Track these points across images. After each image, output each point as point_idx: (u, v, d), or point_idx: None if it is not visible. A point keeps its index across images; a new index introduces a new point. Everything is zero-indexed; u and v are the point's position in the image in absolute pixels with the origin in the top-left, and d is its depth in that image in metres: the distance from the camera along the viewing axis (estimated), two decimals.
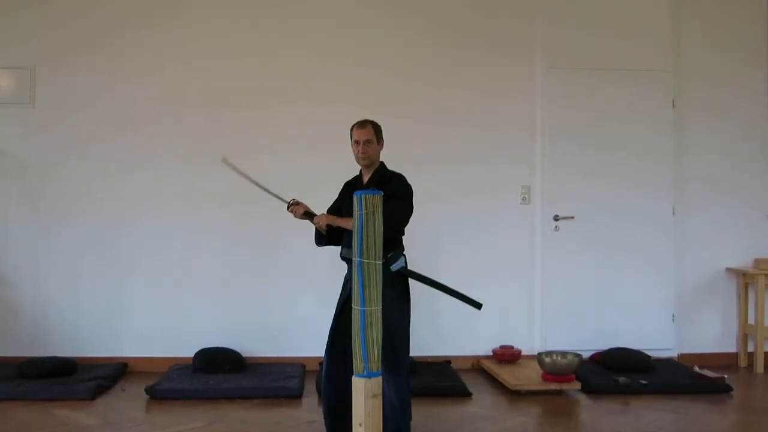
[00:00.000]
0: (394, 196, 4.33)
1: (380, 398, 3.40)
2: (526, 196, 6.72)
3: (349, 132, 4.55)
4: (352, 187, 4.61)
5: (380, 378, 3.39)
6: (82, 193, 6.48)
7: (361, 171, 4.62)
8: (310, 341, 6.48)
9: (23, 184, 6.50)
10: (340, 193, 4.79)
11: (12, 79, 6.48)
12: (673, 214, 6.79)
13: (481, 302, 4.37)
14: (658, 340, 6.72)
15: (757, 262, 6.82)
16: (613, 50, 6.77)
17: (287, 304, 6.58)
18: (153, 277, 6.50)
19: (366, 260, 3.25)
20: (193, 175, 6.52)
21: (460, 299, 4.34)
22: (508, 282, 6.70)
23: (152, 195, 6.52)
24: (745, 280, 6.78)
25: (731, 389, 5.80)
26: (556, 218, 6.70)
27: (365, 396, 3.31)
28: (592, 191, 6.73)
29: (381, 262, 3.30)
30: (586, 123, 6.72)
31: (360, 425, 3.32)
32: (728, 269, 6.89)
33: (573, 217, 6.70)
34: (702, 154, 6.88)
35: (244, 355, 6.34)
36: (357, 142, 4.53)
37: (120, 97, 6.51)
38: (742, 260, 6.90)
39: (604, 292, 6.70)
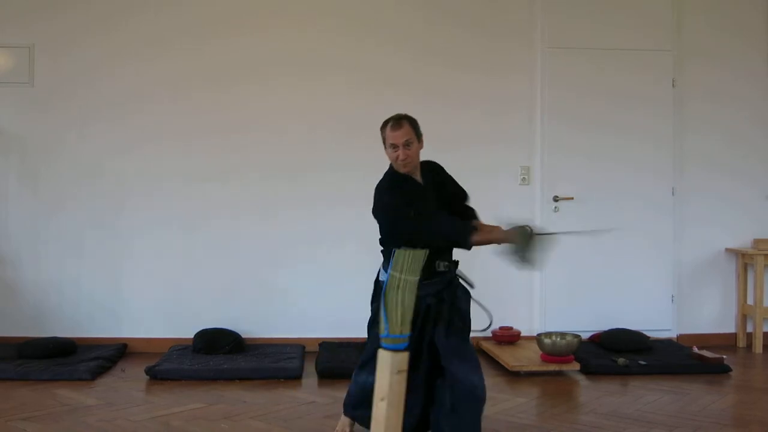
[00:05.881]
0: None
1: (405, 374, 3.40)
2: (526, 176, 6.71)
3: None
4: (409, 193, 3.95)
5: (407, 354, 3.39)
6: (82, 173, 6.47)
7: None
8: (310, 322, 6.52)
9: (22, 163, 6.48)
10: (395, 205, 3.88)
11: (11, 58, 6.43)
12: (673, 194, 6.79)
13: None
14: (657, 320, 6.74)
15: (757, 242, 6.82)
16: (612, 30, 6.72)
17: (287, 285, 6.58)
18: (153, 257, 6.50)
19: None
20: (193, 156, 6.50)
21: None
22: (507, 263, 6.68)
23: (152, 175, 6.50)
24: (744, 260, 6.78)
25: (730, 370, 5.82)
26: (556, 199, 6.69)
27: (390, 370, 3.30)
28: (592, 172, 6.72)
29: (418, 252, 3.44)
30: (585, 103, 6.70)
31: (382, 400, 3.31)
32: (728, 250, 6.89)
33: (572, 198, 6.69)
34: (702, 135, 6.86)
35: (243, 336, 6.35)
36: (394, 146, 3.87)
37: (120, 76, 6.48)
38: (742, 241, 6.89)
39: (604, 273, 6.70)
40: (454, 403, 3.80)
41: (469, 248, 3.93)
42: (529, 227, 3.85)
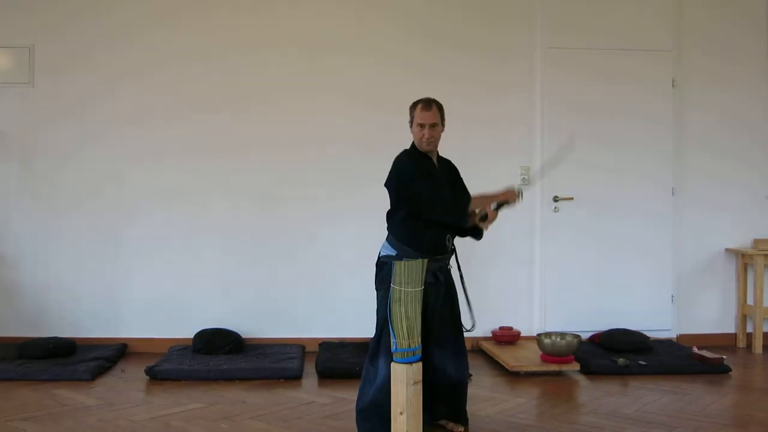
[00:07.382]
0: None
1: (420, 384, 3.41)
2: (526, 176, 6.71)
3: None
4: (425, 167, 4.26)
5: (420, 364, 3.41)
6: (83, 174, 6.46)
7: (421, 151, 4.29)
8: (310, 322, 6.52)
9: (23, 163, 6.47)
10: (411, 172, 4.22)
11: (11, 58, 6.43)
12: (673, 194, 6.79)
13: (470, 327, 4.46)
14: (657, 321, 6.74)
15: (756, 242, 6.82)
16: (612, 30, 6.73)
17: (286, 285, 6.57)
18: (153, 258, 6.50)
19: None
20: (193, 156, 6.50)
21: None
22: (507, 263, 6.70)
23: (154, 177, 6.49)
24: (744, 260, 6.78)
25: (730, 370, 5.81)
26: (556, 199, 6.69)
27: (406, 383, 3.30)
28: (592, 172, 6.71)
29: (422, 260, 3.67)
30: (585, 103, 6.69)
31: (401, 413, 3.31)
32: (727, 250, 6.89)
33: (572, 198, 6.69)
34: (702, 134, 6.86)
35: (243, 336, 6.35)
36: (421, 126, 4.23)
37: (120, 75, 6.47)
38: (742, 241, 6.89)
39: (603, 273, 6.70)
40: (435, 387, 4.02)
41: (466, 223, 4.20)
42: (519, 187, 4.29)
